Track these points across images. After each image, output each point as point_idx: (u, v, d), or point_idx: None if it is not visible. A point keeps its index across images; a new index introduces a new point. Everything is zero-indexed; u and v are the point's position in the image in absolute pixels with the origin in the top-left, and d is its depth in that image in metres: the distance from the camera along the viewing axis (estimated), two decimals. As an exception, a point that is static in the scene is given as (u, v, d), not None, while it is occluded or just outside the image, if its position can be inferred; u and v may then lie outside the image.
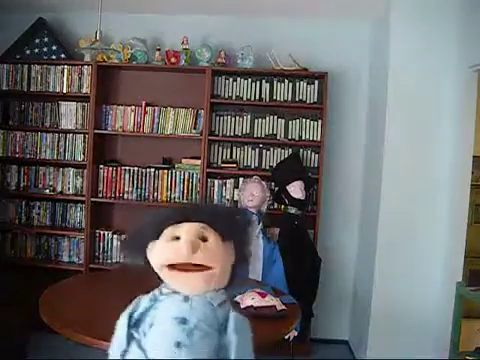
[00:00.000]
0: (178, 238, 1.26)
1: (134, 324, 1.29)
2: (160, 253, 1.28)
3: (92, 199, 3.95)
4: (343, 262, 4.10)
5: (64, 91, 3.97)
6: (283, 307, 2.45)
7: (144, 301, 1.31)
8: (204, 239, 1.26)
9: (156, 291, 1.32)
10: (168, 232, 1.28)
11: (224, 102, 3.97)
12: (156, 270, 1.30)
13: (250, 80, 3.93)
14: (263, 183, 3.53)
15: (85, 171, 3.99)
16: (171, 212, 1.34)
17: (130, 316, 1.30)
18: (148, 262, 1.32)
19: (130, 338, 1.28)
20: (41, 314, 2.29)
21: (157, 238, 1.29)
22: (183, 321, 1.23)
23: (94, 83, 3.89)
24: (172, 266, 1.26)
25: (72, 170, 4.06)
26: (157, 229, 1.30)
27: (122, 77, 4.13)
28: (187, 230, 1.26)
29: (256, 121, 3.96)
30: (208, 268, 1.25)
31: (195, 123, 3.95)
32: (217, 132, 3.98)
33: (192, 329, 1.22)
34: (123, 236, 3.95)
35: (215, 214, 1.33)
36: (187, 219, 1.29)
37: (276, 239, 3.61)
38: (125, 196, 4.02)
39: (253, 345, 1.32)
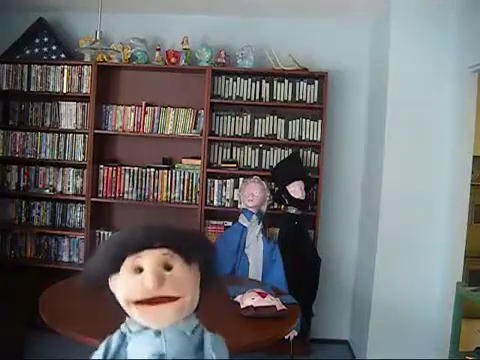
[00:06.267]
0: (141, 269, 1.16)
1: None
2: (124, 289, 1.18)
3: (92, 199, 3.95)
4: (343, 262, 4.10)
5: (64, 91, 3.97)
6: (283, 307, 2.45)
7: (113, 341, 1.23)
8: (169, 267, 1.17)
9: (123, 327, 1.24)
10: (129, 262, 1.17)
11: (224, 102, 3.96)
12: (122, 305, 1.20)
13: (250, 80, 3.93)
14: (263, 183, 3.52)
15: (85, 171, 3.99)
16: (129, 238, 1.21)
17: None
18: (113, 294, 1.22)
19: None
20: (41, 314, 2.29)
21: (118, 270, 1.19)
22: (161, 357, 1.17)
23: (94, 83, 3.89)
24: (139, 301, 1.16)
25: (72, 170, 4.06)
26: (117, 261, 1.18)
27: (122, 77, 4.13)
28: (150, 260, 1.16)
29: (256, 121, 3.96)
30: (177, 298, 1.17)
31: (195, 123, 3.95)
32: (217, 132, 3.98)
33: None
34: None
35: (176, 237, 1.23)
36: (147, 245, 1.18)
37: (276, 239, 3.61)
38: (125, 196, 4.02)
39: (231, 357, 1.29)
